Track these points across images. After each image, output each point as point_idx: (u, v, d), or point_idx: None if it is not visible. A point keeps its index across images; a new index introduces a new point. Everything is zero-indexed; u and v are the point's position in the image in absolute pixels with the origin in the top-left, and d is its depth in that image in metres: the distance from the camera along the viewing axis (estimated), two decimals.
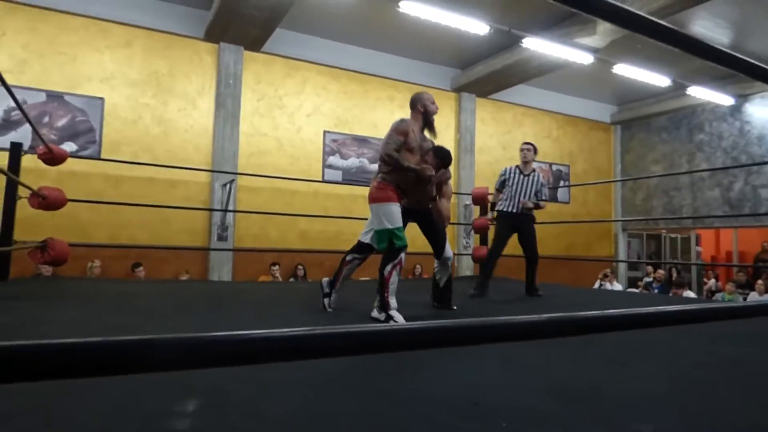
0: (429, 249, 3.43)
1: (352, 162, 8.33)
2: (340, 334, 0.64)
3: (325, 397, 1.69)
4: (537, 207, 4.49)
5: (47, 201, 3.65)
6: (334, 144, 8.21)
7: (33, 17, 6.45)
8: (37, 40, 6.47)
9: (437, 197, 3.39)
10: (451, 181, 9.86)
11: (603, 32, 6.83)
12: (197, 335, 0.56)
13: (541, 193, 4.54)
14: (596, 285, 9.13)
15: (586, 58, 7.54)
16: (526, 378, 2.00)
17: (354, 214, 6.42)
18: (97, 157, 6.52)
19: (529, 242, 4.51)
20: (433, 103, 3.33)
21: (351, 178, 8.16)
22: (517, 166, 4.61)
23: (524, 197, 4.44)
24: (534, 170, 4.59)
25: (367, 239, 3.35)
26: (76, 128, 6.56)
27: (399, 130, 3.12)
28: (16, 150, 3.82)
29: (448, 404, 1.63)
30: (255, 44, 7.48)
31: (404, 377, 2.02)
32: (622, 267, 11.47)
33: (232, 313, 3.21)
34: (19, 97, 6.27)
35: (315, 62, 8.16)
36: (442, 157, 3.31)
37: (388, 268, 3.00)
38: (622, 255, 11.48)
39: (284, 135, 7.92)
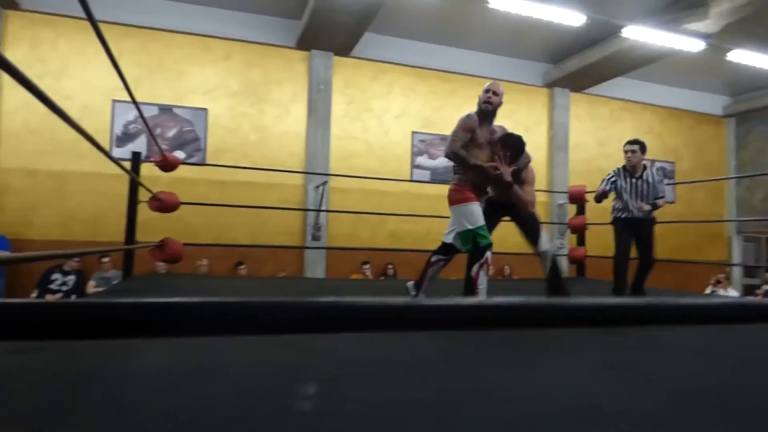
0: (519, 249, 3.30)
1: (441, 161, 8.28)
2: (439, 306, 0.61)
3: (419, 384, 1.66)
4: (655, 207, 4.03)
5: (163, 204, 3.95)
6: (422, 144, 8.20)
7: (144, 37, 7.05)
8: (148, 58, 7.06)
9: (512, 185, 3.13)
10: (544, 180, 9.50)
11: (717, 15, 6.27)
12: (304, 300, 0.56)
13: (658, 191, 4.07)
14: (707, 291, 8.38)
15: (696, 45, 6.95)
16: (635, 378, 1.85)
17: (442, 214, 6.35)
18: (203, 163, 6.98)
19: (646, 246, 4.11)
20: (486, 91, 3.08)
21: (439, 177, 8.10)
22: (625, 168, 4.15)
23: (637, 201, 4.00)
24: (645, 168, 4.10)
25: (449, 239, 3.29)
26: (184, 138, 7.07)
27: (465, 126, 3.01)
28: (136, 158, 4.18)
29: (559, 405, 1.54)
30: (344, 50, 7.67)
31: (501, 371, 1.94)
32: (737, 273, 10.44)
33: None
34: (135, 111, 6.92)
35: (402, 64, 8.22)
36: (511, 146, 3.10)
37: (475, 268, 2.94)
38: (736, 260, 10.47)
39: (373, 137, 8.05)
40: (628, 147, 4.07)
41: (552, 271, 3.27)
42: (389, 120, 8.18)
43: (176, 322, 0.51)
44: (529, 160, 3.24)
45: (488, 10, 6.51)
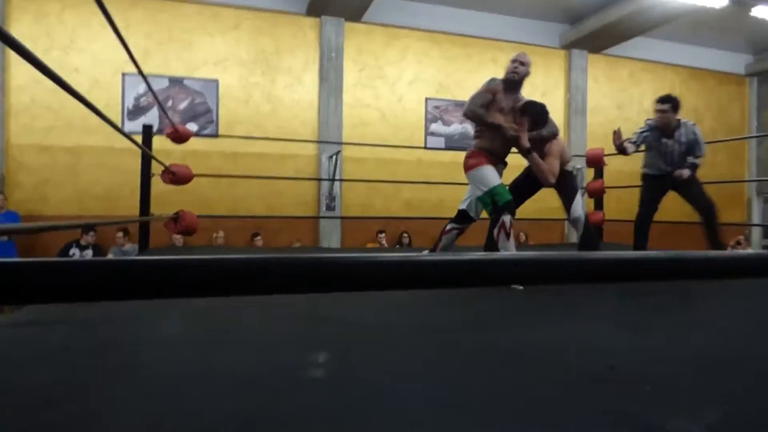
0: (534, 215, 3.26)
1: (455, 128, 8.16)
2: (455, 261, 0.59)
3: (434, 350, 1.66)
4: (693, 168, 3.67)
5: (177, 176, 3.95)
6: (437, 111, 8.08)
7: (152, 7, 6.95)
8: (157, 29, 6.97)
9: (530, 151, 3.09)
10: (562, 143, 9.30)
11: None
12: (325, 256, 0.55)
13: (695, 151, 3.69)
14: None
15: (718, 2, 6.67)
16: (654, 342, 1.83)
17: (457, 180, 6.30)
18: (215, 135, 6.97)
19: (692, 195, 3.71)
20: (513, 61, 3.11)
21: (454, 144, 8.00)
22: (657, 126, 3.77)
23: (670, 160, 3.66)
24: (680, 126, 3.69)
25: (464, 206, 3.27)
26: (195, 110, 7.04)
27: (488, 88, 3.04)
28: (147, 132, 4.18)
29: (579, 367, 1.53)
30: (355, 15, 7.50)
31: (517, 334, 1.93)
32: (756, 234, 10.26)
33: None
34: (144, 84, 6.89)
35: (415, 28, 8.03)
36: (531, 114, 3.05)
37: (495, 231, 2.95)
38: (756, 221, 10.28)
39: (386, 105, 7.94)
40: (659, 106, 3.69)
41: (584, 237, 3.24)
42: (402, 87, 8.04)
43: (189, 281, 0.50)
44: (556, 131, 3.20)
45: None
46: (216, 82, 7.18)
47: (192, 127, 6.96)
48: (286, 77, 7.51)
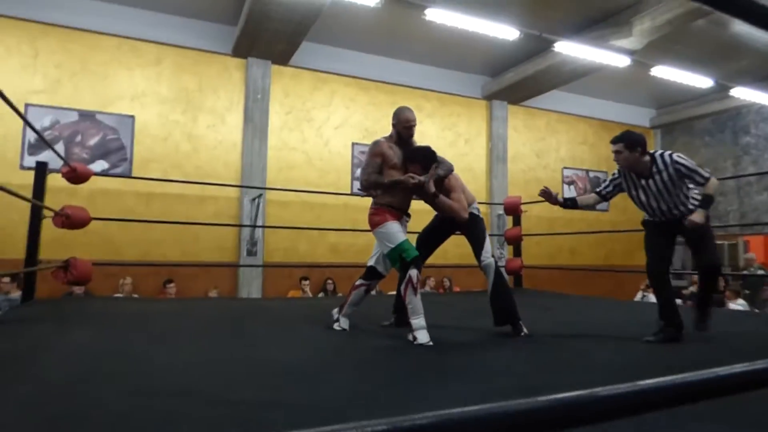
0: (459, 260, 3.24)
1: None
2: None
3: None
4: (705, 206, 2.93)
5: (71, 220, 3.62)
6: (363, 156, 8.07)
7: (65, 37, 6.59)
8: (70, 59, 6.60)
9: (437, 195, 3.09)
10: (484, 190, 9.57)
11: (639, 33, 6.53)
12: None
13: (694, 181, 2.98)
14: (638, 296, 8.70)
15: (622, 61, 7.23)
16: None
17: None
18: (127, 175, 6.59)
19: (695, 247, 3.08)
20: (410, 120, 3.13)
21: None
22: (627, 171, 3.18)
23: (662, 204, 3.05)
24: (654, 160, 3.01)
25: (371, 262, 3.27)
26: (107, 146, 6.64)
27: (373, 152, 3.09)
28: (41, 169, 3.83)
29: None
30: (282, 58, 7.48)
31: None
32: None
33: (252, 336, 3.09)
34: (52, 116, 6.45)
35: (342, 74, 8.11)
36: (420, 159, 3.06)
37: (402, 287, 2.92)
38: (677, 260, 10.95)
39: (312, 148, 7.87)
40: (612, 148, 3.11)
41: (496, 284, 3.17)
42: (329, 131, 8.03)
43: None
44: (451, 168, 3.21)
45: (426, 23, 6.50)
46: (132, 118, 6.84)
47: (102, 164, 6.56)
48: (209, 117, 7.29)
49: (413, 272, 2.87)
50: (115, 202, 6.47)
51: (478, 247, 3.20)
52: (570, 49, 7.06)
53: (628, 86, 9.60)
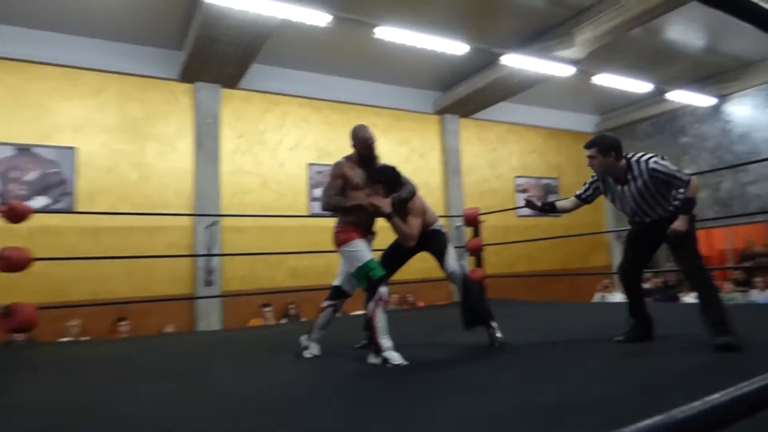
0: (422, 275, 3.20)
1: None
2: None
3: None
4: (685, 211, 2.79)
5: (11, 262, 3.38)
6: (319, 176, 8.00)
7: None
8: (3, 91, 6.24)
9: (392, 216, 3.05)
10: (441, 203, 9.63)
11: (581, 43, 6.77)
12: None
13: (672, 186, 2.86)
14: (597, 297, 8.91)
15: (566, 71, 7.47)
16: None
17: None
18: (69, 210, 6.25)
19: (675, 251, 2.89)
20: (369, 139, 3.13)
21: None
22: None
23: (641, 207, 2.94)
24: (630, 165, 2.92)
25: (338, 282, 3.22)
26: (47, 181, 6.29)
27: (334, 174, 3.09)
28: None
29: None
30: (232, 81, 7.33)
31: None
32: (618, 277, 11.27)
33: (220, 371, 2.93)
34: None
35: (294, 95, 8.02)
36: (384, 180, 3.03)
37: (371, 305, 2.86)
38: (617, 264, 11.30)
39: (267, 171, 7.71)
40: (585, 153, 3.04)
41: (465, 292, 3.16)
42: (283, 152, 7.90)
43: None
44: (413, 191, 3.18)
45: (375, 41, 6.52)
46: (73, 149, 6.51)
47: (42, 201, 6.20)
48: (157, 144, 7.03)
49: (384, 290, 2.84)
50: (57, 239, 6.11)
51: (441, 257, 3.19)
52: (517, 62, 7.24)
53: (573, 95, 9.94)
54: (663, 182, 2.83)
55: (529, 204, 3.30)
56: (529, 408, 1.86)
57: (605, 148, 2.91)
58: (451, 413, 1.84)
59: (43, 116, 6.42)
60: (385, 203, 2.96)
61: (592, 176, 3.17)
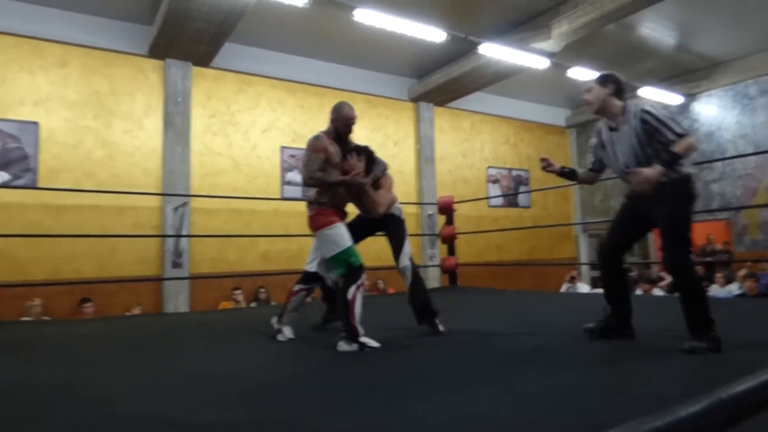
0: (392, 262, 3.18)
1: None
2: None
3: None
4: (667, 164, 2.39)
5: None
6: (292, 160, 7.91)
7: None
8: None
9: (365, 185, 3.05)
10: (414, 191, 9.66)
11: (558, 36, 6.84)
12: None
13: (661, 134, 2.44)
14: (564, 288, 9.12)
15: (542, 63, 7.54)
16: None
17: None
18: (32, 186, 6.02)
19: (662, 237, 2.48)
20: (350, 117, 3.04)
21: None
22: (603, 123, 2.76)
23: (627, 162, 2.58)
24: (626, 111, 2.58)
25: (312, 268, 3.18)
26: (7, 156, 6.02)
27: (316, 148, 2.93)
28: None
29: None
30: (203, 59, 7.14)
31: None
32: (585, 268, 11.58)
33: (194, 353, 2.88)
34: None
35: (269, 76, 7.87)
36: (366, 157, 3.03)
37: (352, 290, 2.80)
38: (583, 256, 11.60)
39: (239, 153, 7.57)
40: (584, 90, 2.75)
41: (413, 286, 3.16)
42: (256, 134, 7.76)
43: None
44: (385, 167, 3.23)
45: (354, 24, 6.44)
46: (36, 124, 6.25)
47: (2, 176, 5.94)
48: (125, 122, 6.81)
49: (363, 274, 2.85)
50: (18, 216, 5.88)
51: (397, 250, 3.16)
52: (493, 52, 7.27)
53: (546, 88, 10.05)
54: (653, 132, 2.47)
55: (546, 165, 2.96)
56: (512, 392, 1.89)
57: (604, 80, 2.66)
58: (436, 399, 1.85)
59: (4, 89, 6.14)
60: (367, 178, 2.98)
61: (590, 141, 2.86)
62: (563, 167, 3.00)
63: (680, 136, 2.41)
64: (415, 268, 3.20)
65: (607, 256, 2.76)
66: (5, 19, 6.13)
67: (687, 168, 2.49)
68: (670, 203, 2.45)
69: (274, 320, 3.20)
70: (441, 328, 3.14)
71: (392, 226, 3.22)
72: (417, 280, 3.18)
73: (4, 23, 6.14)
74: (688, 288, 2.42)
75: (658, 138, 2.46)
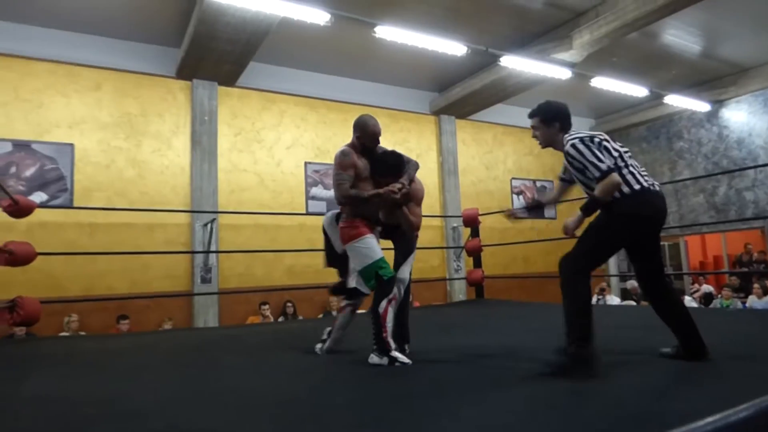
0: (419, 275, 3.11)
1: None
2: None
3: None
4: (586, 209, 2.50)
5: (15, 256, 3.37)
6: (316, 175, 8.02)
7: None
8: (1, 88, 6.21)
9: (401, 205, 2.95)
10: (437, 204, 9.63)
11: (579, 46, 6.82)
12: None
13: (586, 173, 2.40)
14: (593, 300, 8.96)
15: (563, 74, 7.52)
16: None
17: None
18: (68, 206, 6.23)
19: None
20: (376, 125, 2.99)
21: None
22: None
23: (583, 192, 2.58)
24: (565, 144, 2.50)
25: (353, 284, 3.05)
26: (45, 177, 6.26)
27: (344, 164, 2.88)
28: None
29: None
30: (229, 79, 7.33)
31: None
32: (614, 279, 11.37)
33: (228, 367, 2.93)
34: None
35: (292, 93, 8.03)
36: (393, 168, 2.93)
37: (383, 304, 2.77)
38: (612, 267, 11.39)
39: (264, 169, 7.72)
40: (530, 124, 2.69)
41: (403, 302, 3.00)
42: (281, 151, 7.91)
43: None
44: (417, 166, 3.07)
45: (375, 41, 6.55)
46: (71, 146, 6.49)
47: (41, 196, 6.18)
48: (154, 141, 7.02)
49: (396, 291, 2.80)
50: (56, 235, 6.09)
51: (402, 260, 3.03)
52: (514, 63, 7.28)
53: (569, 98, 9.79)
54: (581, 168, 2.40)
55: (510, 214, 3.04)
56: (539, 406, 1.88)
57: (548, 118, 2.55)
58: (464, 413, 1.85)
59: (41, 112, 6.41)
60: (401, 194, 2.85)
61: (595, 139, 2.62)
62: (527, 204, 2.99)
63: (603, 174, 2.31)
64: (409, 286, 3.06)
65: (645, 292, 2.57)
66: (42, 46, 6.42)
67: (640, 184, 2.36)
68: (601, 214, 2.44)
69: (327, 329, 3.16)
70: (404, 358, 2.72)
71: (405, 237, 3.11)
72: (406, 299, 3.06)
73: (41, 50, 6.42)
74: (564, 289, 2.44)
75: (586, 174, 2.41)
